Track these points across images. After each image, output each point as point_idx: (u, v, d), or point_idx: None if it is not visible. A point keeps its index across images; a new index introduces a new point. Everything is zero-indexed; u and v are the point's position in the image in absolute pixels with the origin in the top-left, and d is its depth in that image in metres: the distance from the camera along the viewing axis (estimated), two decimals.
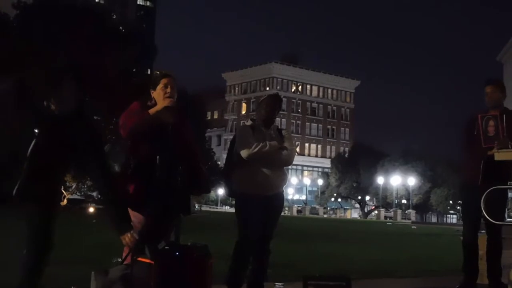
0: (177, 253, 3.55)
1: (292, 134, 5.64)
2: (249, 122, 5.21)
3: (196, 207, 56.53)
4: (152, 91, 4.33)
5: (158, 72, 4.49)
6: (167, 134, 4.17)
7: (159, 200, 4.11)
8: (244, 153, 4.90)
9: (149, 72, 42.61)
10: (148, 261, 3.50)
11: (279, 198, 5.16)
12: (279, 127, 5.37)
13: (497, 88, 6.00)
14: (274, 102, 5.20)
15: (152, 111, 4.16)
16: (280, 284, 4.16)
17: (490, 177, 5.68)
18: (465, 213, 6.36)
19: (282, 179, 5.14)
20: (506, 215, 6.09)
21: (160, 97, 4.24)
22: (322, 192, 78.95)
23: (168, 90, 4.24)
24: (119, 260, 4.40)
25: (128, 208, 4.16)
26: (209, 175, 4.87)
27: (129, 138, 4.19)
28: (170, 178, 4.13)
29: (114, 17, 49.10)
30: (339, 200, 80.00)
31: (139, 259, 3.61)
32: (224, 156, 5.69)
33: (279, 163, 5.10)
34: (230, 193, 5.18)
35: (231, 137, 5.46)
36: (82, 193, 40.49)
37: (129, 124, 4.14)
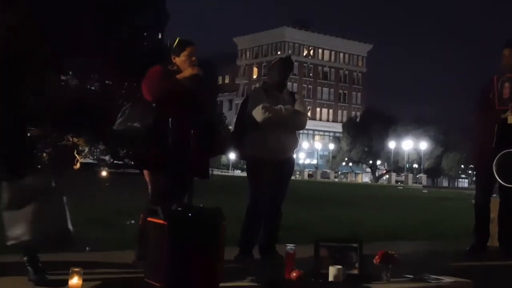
0: (189, 215, 3.57)
1: (304, 99, 5.60)
2: (261, 84, 5.18)
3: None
4: (174, 57, 4.40)
5: (180, 39, 4.51)
6: (187, 98, 4.22)
7: (177, 163, 4.15)
8: (258, 116, 4.86)
9: (160, 37, 42.37)
10: (161, 222, 3.52)
11: (290, 162, 5.17)
12: (291, 90, 5.33)
13: None
14: (286, 65, 5.14)
15: (180, 76, 4.28)
16: (292, 245, 4.17)
17: (504, 140, 5.64)
18: (478, 176, 6.35)
19: (294, 143, 5.13)
20: None
21: (185, 64, 4.34)
22: (333, 157, 79.06)
23: (194, 59, 4.35)
24: (133, 222, 4.44)
25: (148, 171, 4.21)
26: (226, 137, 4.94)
27: (155, 101, 4.23)
28: (187, 141, 4.18)
29: None
30: (350, 164, 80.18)
31: (152, 220, 3.63)
32: None
33: (293, 127, 5.08)
34: (241, 156, 5.18)
35: None
36: (95, 157, 40.81)
37: (157, 88, 4.23)
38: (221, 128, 34.81)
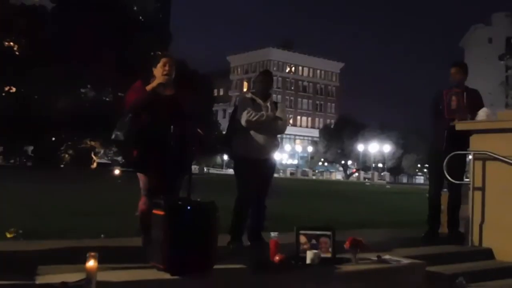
0: (188, 207, 3.57)
1: (286, 108, 5.61)
2: (249, 95, 5.20)
3: (205, 169, 56.84)
4: (154, 69, 4.32)
5: (159, 53, 4.45)
6: (163, 104, 4.14)
7: (160, 161, 4.07)
8: (243, 121, 4.91)
9: None
10: (161, 213, 3.51)
11: (271, 161, 5.14)
12: (275, 101, 5.34)
13: (460, 70, 6.01)
14: (266, 77, 5.22)
15: (149, 87, 4.19)
16: (275, 233, 4.18)
17: (453, 144, 5.76)
18: (431, 174, 6.42)
19: (275, 145, 5.13)
20: (464, 177, 6.16)
21: (159, 74, 4.25)
22: (312, 158, 79.11)
23: (167, 68, 4.24)
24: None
25: (136, 170, 4.15)
26: (208, 137, 4.83)
27: (131, 111, 4.15)
28: (167, 141, 4.10)
29: (135, 8, 48.33)
30: (326, 164, 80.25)
31: (154, 211, 3.62)
32: None
33: (274, 131, 5.09)
34: (231, 155, 5.19)
35: None
36: (109, 157, 40.58)
37: (130, 100, 4.16)
38: (214, 135, 34.52)
